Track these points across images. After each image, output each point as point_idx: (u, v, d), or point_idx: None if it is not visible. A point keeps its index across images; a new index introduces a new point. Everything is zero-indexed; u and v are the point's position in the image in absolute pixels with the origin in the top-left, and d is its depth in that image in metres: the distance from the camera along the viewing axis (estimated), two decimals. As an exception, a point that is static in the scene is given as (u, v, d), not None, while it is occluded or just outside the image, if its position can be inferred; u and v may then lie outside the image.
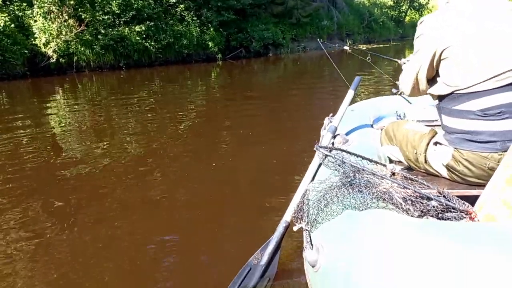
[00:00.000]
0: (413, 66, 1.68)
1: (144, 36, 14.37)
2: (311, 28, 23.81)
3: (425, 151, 1.69)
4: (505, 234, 0.99)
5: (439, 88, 1.60)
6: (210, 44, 17.02)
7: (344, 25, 26.93)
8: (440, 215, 1.29)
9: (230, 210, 2.88)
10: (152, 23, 14.72)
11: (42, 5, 12.05)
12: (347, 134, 2.27)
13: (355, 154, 1.73)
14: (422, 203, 1.29)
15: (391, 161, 1.96)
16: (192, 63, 16.31)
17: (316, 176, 1.85)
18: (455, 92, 1.53)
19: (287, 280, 1.88)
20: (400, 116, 2.49)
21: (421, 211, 1.30)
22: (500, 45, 1.45)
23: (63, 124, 5.94)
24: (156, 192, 3.21)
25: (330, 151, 1.70)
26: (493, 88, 1.45)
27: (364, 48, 22.84)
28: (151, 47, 14.59)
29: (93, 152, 4.34)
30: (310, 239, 1.48)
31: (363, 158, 1.73)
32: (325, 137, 2.15)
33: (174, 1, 16.05)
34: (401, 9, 40.76)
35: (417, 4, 39.10)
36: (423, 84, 1.68)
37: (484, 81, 1.45)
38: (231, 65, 16.18)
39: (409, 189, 1.34)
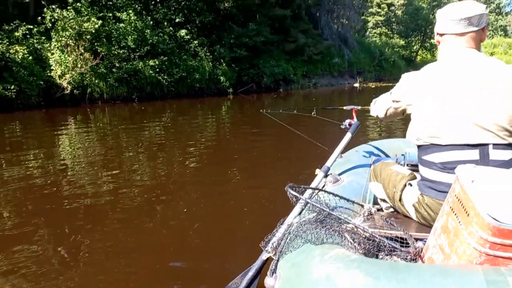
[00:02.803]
0: (386, 103, 1.97)
1: (158, 70, 14.78)
2: (322, 65, 24.26)
3: (402, 190, 1.83)
4: (422, 275, 1.09)
5: (412, 138, 1.74)
6: (222, 78, 17.40)
7: (355, 63, 27.39)
8: (392, 253, 1.43)
9: (227, 238, 2.98)
10: (166, 57, 15.17)
11: (60, 38, 12.54)
12: (342, 173, 2.41)
13: (332, 194, 1.85)
14: (372, 243, 1.45)
15: (375, 201, 2.10)
16: (204, 96, 16.66)
17: (302, 212, 1.95)
18: (422, 145, 1.68)
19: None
20: (399, 158, 2.57)
21: (369, 250, 1.46)
22: (460, 109, 1.55)
23: (74, 154, 6.06)
24: (163, 222, 3.30)
25: (304, 191, 1.83)
26: (451, 145, 1.57)
27: (367, 85, 22.99)
28: (164, 81, 14.98)
29: (103, 182, 4.41)
30: (275, 268, 1.59)
31: (341, 197, 1.85)
32: (318, 176, 2.31)
33: (189, 37, 16.57)
34: (413, 49, 41.49)
35: (428, 44, 39.79)
36: (388, 118, 2.03)
37: (444, 138, 1.58)
38: (242, 99, 16.46)
39: (361, 230, 1.49)
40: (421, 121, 1.65)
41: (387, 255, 1.46)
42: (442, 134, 1.58)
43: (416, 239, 1.58)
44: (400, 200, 1.84)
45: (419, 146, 1.71)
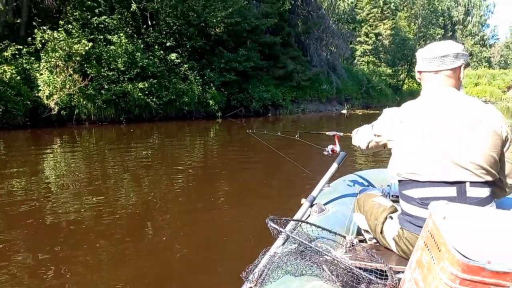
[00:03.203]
0: (367, 136, 1.98)
1: (147, 92, 14.77)
2: (311, 91, 24.56)
3: (383, 223, 1.84)
4: None
5: (393, 173, 1.76)
6: (211, 102, 17.46)
7: (343, 90, 27.79)
8: (370, 286, 1.43)
9: (210, 263, 2.97)
10: (156, 80, 15.22)
11: (50, 59, 12.54)
12: (328, 203, 2.40)
13: (315, 225, 1.85)
14: (351, 275, 1.46)
15: (359, 232, 2.10)
16: (192, 119, 16.70)
17: (285, 243, 1.93)
18: (402, 179, 1.70)
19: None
20: (384, 189, 2.58)
21: (347, 282, 1.46)
22: (439, 146, 1.58)
23: (58, 174, 6.00)
24: (145, 247, 3.26)
25: (287, 223, 1.85)
26: (429, 182, 1.59)
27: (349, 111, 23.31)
28: (153, 103, 14.98)
29: (86, 203, 4.37)
30: None
31: (323, 229, 1.84)
32: (303, 206, 2.29)
33: (179, 61, 16.69)
34: (399, 78, 42.37)
35: (414, 73, 40.57)
36: (370, 149, 2.03)
37: (422, 175, 1.61)
38: (230, 123, 16.53)
39: (339, 261, 1.51)
40: (401, 157, 1.68)
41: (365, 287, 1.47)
42: (421, 171, 1.60)
43: (397, 272, 1.59)
44: (381, 232, 1.86)
45: (399, 181, 1.73)
